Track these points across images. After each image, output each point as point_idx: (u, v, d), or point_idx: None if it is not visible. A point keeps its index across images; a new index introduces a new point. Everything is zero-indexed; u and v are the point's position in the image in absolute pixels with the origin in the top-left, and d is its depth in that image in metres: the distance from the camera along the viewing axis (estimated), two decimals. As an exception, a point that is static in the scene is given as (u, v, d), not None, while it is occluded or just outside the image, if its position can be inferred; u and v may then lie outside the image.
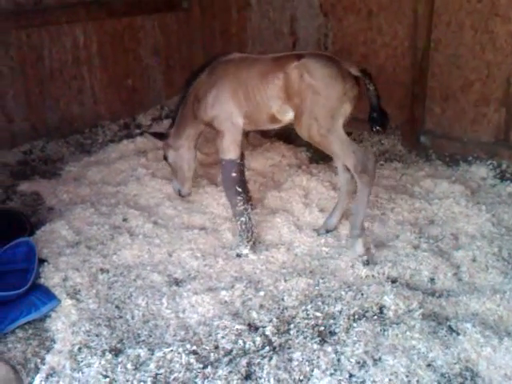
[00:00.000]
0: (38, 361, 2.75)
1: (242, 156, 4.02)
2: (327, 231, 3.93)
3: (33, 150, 5.61)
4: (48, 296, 3.13)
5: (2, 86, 5.45)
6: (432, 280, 3.34)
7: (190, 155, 4.30)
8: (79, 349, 2.79)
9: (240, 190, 3.87)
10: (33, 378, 2.64)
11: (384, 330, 2.82)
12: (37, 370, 2.70)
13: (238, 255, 3.70)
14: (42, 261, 3.47)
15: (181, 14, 6.87)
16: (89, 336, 2.88)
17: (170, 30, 6.76)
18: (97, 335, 2.89)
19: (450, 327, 2.85)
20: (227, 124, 3.82)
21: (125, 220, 4.16)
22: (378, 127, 3.57)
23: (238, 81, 3.73)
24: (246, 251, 3.71)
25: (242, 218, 3.79)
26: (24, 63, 5.56)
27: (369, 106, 3.55)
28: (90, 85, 6.14)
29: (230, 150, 3.85)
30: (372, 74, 3.53)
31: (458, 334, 2.79)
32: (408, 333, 2.78)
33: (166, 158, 4.39)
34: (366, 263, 3.48)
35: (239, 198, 3.84)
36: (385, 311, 2.98)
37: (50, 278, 3.35)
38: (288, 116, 3.66)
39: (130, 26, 6.38)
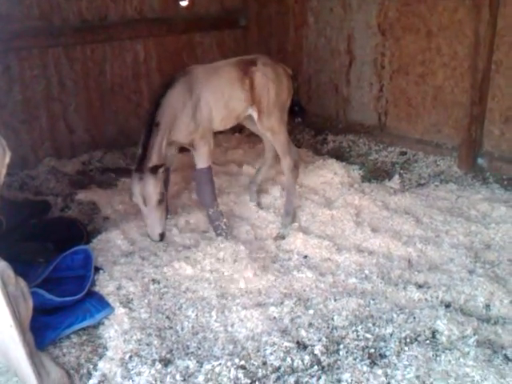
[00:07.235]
0: (91, 367, 2.81)
1: None
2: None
3: (91, 161, 5.81)
4: (102, 304, 3.21)
5: (65, 98, 5.67)
6: (487, 306, 3.22)
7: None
8: (130, 357, 2.83)
9: (214, 193, 4.12)
10: (85, 384, 2.71)
11: (436, 356, 2.73)
12: (89, 375, 2.75)
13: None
14: (97, 269, 3.56)
15: (238, 31, 6.99)
16: (140, 345, 2.92)
17: (227, 47, 6.88)
18: (147, 344, 2.93)
19: (505, 356, 2.74)
20: (207, 133, 3.99)
21: (177, 232, 4.21)
22: (299, 118, 4.44)
23: (213, 89, 3.97)
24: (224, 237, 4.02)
25: (217, 222, 4.08)
26: (87, 77, 5.78)
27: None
28: (147, 99, 6.31)
29: (208, 158, 4.04)
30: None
31: (515, 363, 2.69)
32: (461, 359, 2.68)
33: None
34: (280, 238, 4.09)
35: (215, 202, 4.11)
36: (437, 336, 2.89)
37: (105, 286, 3.43)
38: (247, 112, 4.19)
39: (189, 43, 6.54)
